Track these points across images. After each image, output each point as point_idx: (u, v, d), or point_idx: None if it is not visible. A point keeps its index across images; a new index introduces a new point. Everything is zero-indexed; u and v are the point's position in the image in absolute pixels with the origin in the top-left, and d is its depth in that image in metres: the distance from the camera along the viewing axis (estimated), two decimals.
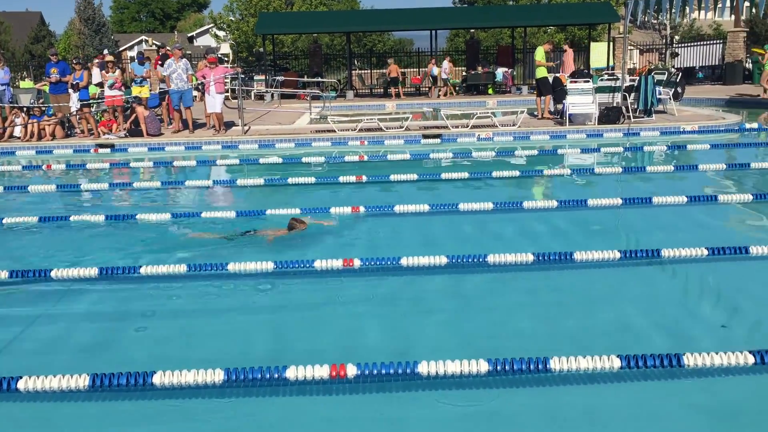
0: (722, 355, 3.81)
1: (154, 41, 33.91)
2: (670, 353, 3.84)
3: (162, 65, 15.52)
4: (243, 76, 21.14)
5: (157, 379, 3.81)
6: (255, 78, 25.12)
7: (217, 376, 3.82)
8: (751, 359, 3.79)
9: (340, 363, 3.85)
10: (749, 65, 26.14)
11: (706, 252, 5.74)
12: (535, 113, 16.23)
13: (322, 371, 3.82)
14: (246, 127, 14.94)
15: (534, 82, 17.17)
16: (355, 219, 7.51)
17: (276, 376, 3.82)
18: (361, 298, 5.38)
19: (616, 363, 3.80)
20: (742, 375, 3.82)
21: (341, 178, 9.74)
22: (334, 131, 14.49)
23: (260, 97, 24.10)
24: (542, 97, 16.11)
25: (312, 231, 6.93)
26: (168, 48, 17.39)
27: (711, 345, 4.08)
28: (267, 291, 5.54)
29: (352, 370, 3.83)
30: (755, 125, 14.59)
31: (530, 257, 5.75)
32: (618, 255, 5.77)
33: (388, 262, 5.78)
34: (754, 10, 23.08)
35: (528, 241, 6.67)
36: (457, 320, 4.89)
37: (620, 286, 5.49)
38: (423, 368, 3.83)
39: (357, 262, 5.75)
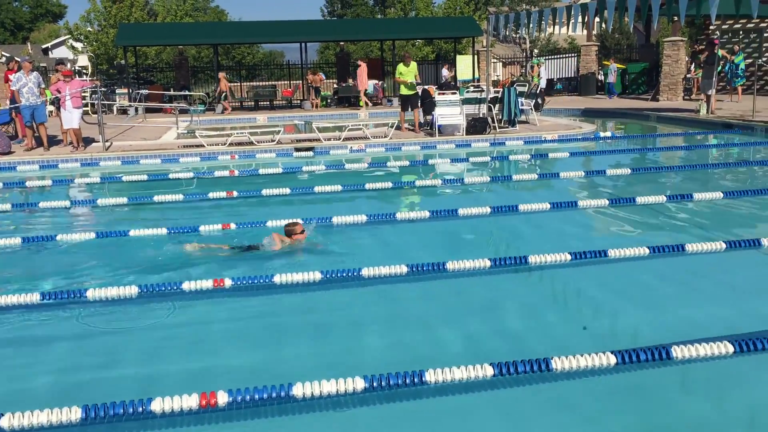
0: (587, 356, 3.95)
1: (4, 53, 31.66)
2: (539, 358, 3.94)
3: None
4: (104, 89, 20.12)
5: (5, 422, 3.47)
6: (117, 92, 23.98)
7: (74, 414, 3.53)
8: (613, 359, 3.95)
9: (209, 391, 3.66)
10: (601, 77, 27.91)
11: (569, 257, 5.99)
12: (408, 126, 16.40)
13: (190, 401, 3.62)
14: (107, 143, 14.20)
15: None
16: (224, 237, 7.27)
17: (140, 409, 3.57)
18: (231, 319, 5.18)
19: (489, 371, 3.85)
20: (606, 375, 3.97)
21: (211, 194, 9.42)
22: (203, 146, 14.06)
23: (123, 111, 23.02)
24: (407, 111, 16.34)
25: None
26: (18, 59, 16.21)
27: (578, 347, 4.22)
28: (128, 315, 5.21)
29: (223, 398, 3.65)
30: (609, 134, 15.54)
31: (404, 269, 5.77)
32: (488, 263, 5.90)
33: (261, 281, 5.62)
34: (603, 26, 24.42)
35: (402, 252, 6.70)
36: (331, 337, 4.81)
37: (491, 293, 5.61)
38: (298, 390, 3.71)
39: (228, 282, 5.55)
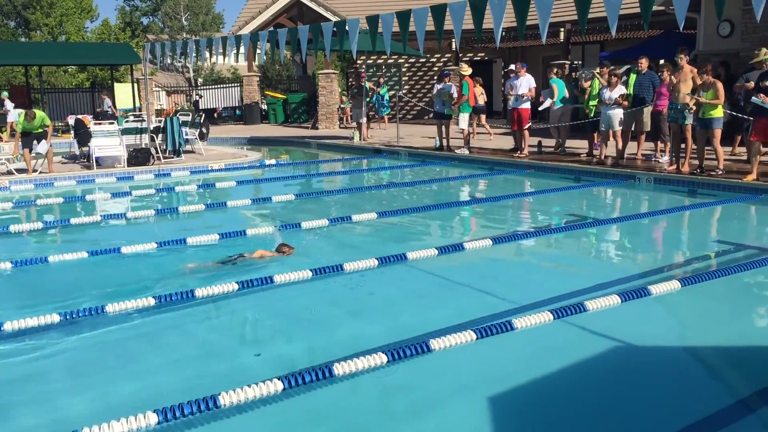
0: (254, 387, 3.93)
1: None
2: (207, 396, 3.82)
3: None
4: None
5: None
6: None
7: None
8: (280, 385, 4.00)
9: None
10: (264, 106, 28.83)
11: (236, 286, 5.97)
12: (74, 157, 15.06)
13: None
14: None
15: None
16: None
17: None
18: None
19: (153, 419, 3.62)
20: (276, 402, 3.99)
21: None
22: None
23: None
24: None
25: None
26: None
27: (248, 377, 4.20)
28: None
29: None
30: (273, 161, 16.06)
31: (56, 318, 5.21)
32: (153, 301, 5.61)
33: None
34: (265, 57, 25.18)
35: (55, 297, 6.04)
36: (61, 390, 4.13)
37: (155, 333, 5.32)
38: None
39: None
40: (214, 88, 32.76)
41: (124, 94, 24.56)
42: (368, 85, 21.33)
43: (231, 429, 3.80)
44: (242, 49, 14.33)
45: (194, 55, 14.33)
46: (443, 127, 16.26)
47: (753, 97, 10.42)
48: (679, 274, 6.67)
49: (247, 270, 6.79)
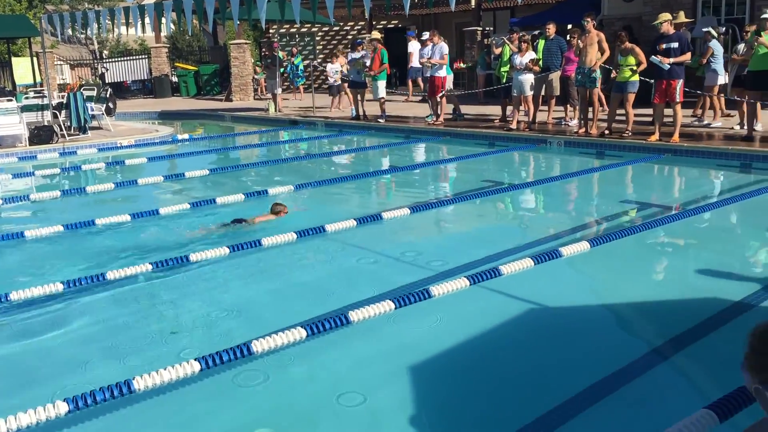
0: (170, 369, 3.85)
1: None
2: (120, 382, 3.71)
3: None
4: None
5: None
6: None
7: None
8: (197, 366, 3.93)
9: None
10: (175, 78, 27.90)
11: (150, 267, 5.81)
12: None
13: None
14: None
15: None
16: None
17: None
18: None
19: (63, 408, 3.49)
20: (193, 384, 3.92)
21: None
22: None
23: None
24: None
25: None
26: None
27: (165, 360, 4.11)
28: None
29: None
30: (186, 136, 15.63)
31: None
32: (61, 287, 5.39)
33: None
34: (173, 27, 24.24)
35: None
36: None
37: (63, 320, 5.12)
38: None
39: None
40: (121, 61, 31.45)
41: (23, 69, 23.31)
42: (281, 54, 20.95)
43: (147, 414, 3.71)
44: (147, 20, 13.78)
45: (96, 26, 13.69)
46: (359, 96, 16.17)
47: (652, 57, 10.73)
48: (589, 235, 6.91)
49: (167, 248, 6.61)
